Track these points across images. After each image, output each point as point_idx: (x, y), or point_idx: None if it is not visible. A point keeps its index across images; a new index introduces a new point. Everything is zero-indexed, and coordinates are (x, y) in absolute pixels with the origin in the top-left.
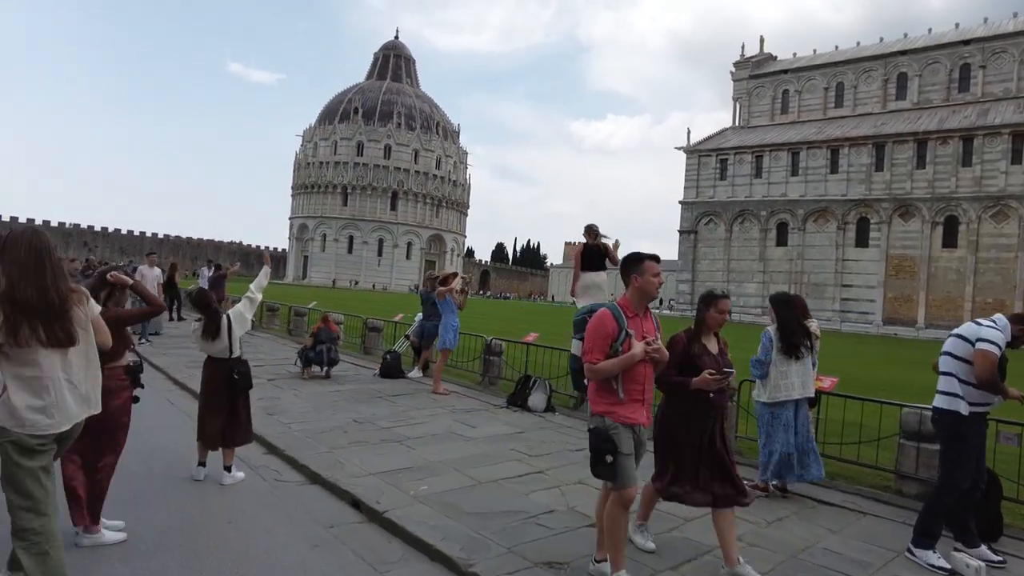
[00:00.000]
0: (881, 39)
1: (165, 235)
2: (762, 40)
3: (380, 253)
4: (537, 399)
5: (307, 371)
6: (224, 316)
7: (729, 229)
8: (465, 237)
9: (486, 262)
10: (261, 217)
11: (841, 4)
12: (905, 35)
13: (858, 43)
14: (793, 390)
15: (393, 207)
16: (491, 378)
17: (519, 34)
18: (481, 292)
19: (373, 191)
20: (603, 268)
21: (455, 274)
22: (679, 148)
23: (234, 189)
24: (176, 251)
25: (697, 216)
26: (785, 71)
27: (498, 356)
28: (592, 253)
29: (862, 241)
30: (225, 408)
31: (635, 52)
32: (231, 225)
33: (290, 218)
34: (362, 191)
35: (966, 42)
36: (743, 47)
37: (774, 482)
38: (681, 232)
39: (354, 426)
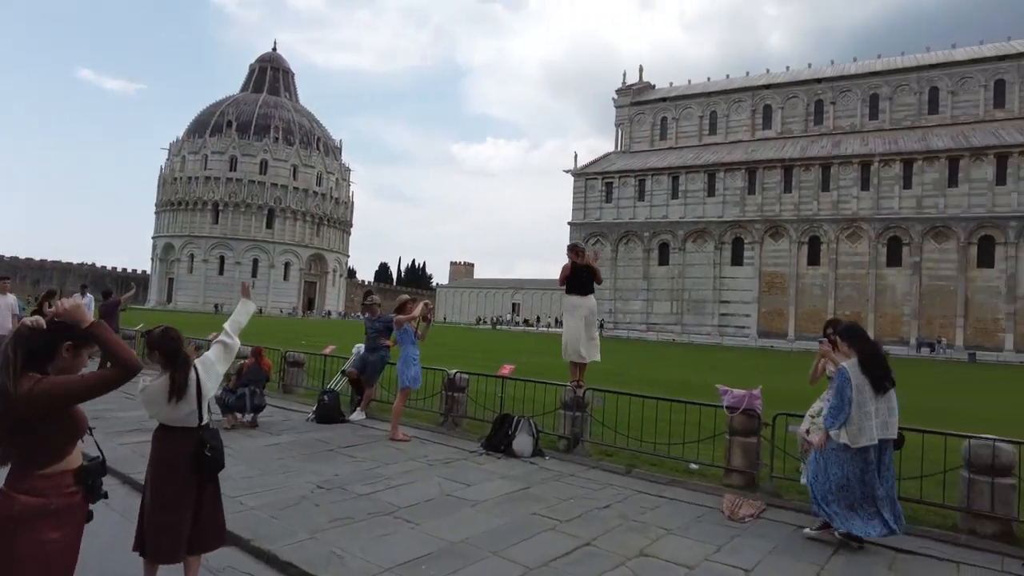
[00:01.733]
0: (747, 73)
1: None
2: (641, 69)
3: (255, 274)
4: (523, 442)
5: (230, 418)
6: (192, 369)
7: (615, 249)
8: (348, 257)
9: (369, 282)
10: (119, 236)
11: (699, 40)
12: (768, 71)
13: (728, 76)
14: (874, 430)
15: (270, 225)
16: (455, 418)
17: (399, 56)
18: (365, 315)
19: (248, 208)
20: (590, 291)
21: (413, 300)
22: (567, 171)
23: (86, 205)
24: (14, 274)
25: (585, 236)
26: (663, 99)
27: (462, 392)
28: (578, 274)
29: (737, 260)
30: (191, 499)
31: (512, 79)
32: (83, 245)
33: (153, 237)
34: (235, 208)
35: (818, 80)
36: (624, 75)
37: (842, 531)
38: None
39: (323, 494)
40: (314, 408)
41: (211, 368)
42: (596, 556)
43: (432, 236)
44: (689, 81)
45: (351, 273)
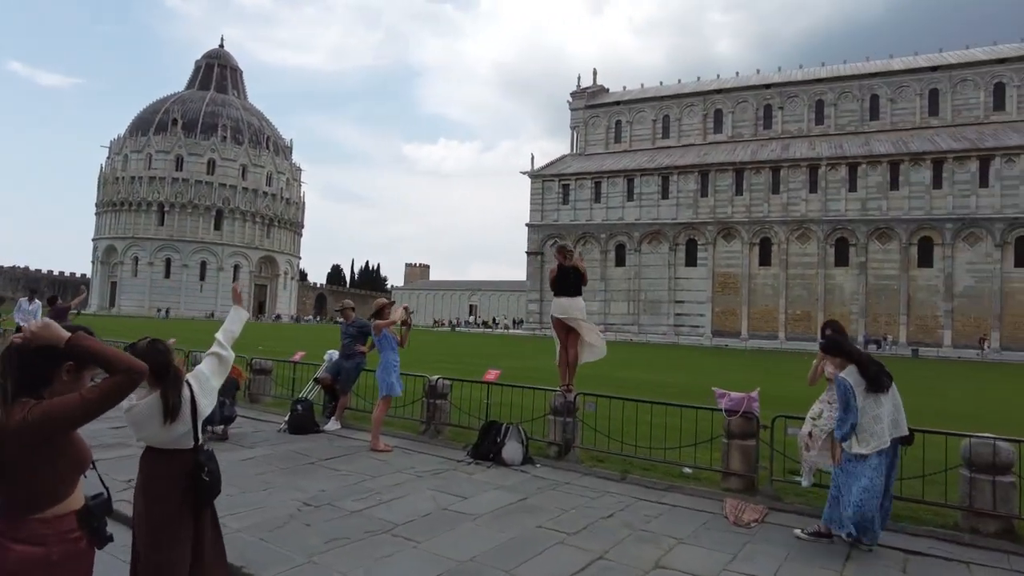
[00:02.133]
0: (699, 78)
1: None
2: (595, 73)
3: (203, 277)
4: (512, 450)
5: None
6: (186, 385)
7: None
8: (299, 259)
9: (322, 285)
10: (54, 238)
11: (648, 45)
12: (718, 76)
13: (679, 80)
14: (885, 432)
15: (218, 226)
16: (437, 426)
17: (349, 55)
18: (317, 318)
19: (195, 209)
20: (578, 293)
21: (391, 303)
22: (524, 173)
23: (16, 205)
24: None
25: (543, 238)
26: (618, 103)
27: (444, 399)
28: (565, 276)
29: (691, 261)
30: (189, 530)
31: (464, 80)
32: (13, 246)
33: (94, 239)
34: (182, 209)
35: (767, 86)
36: (579, 79)
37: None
38: (529, 253)
39: (312, 512)
40: (286, 418)
41: (206, 383)
42: (612, 571)
43: (385, 238)
44: (642, 85)
45: (302, 275)
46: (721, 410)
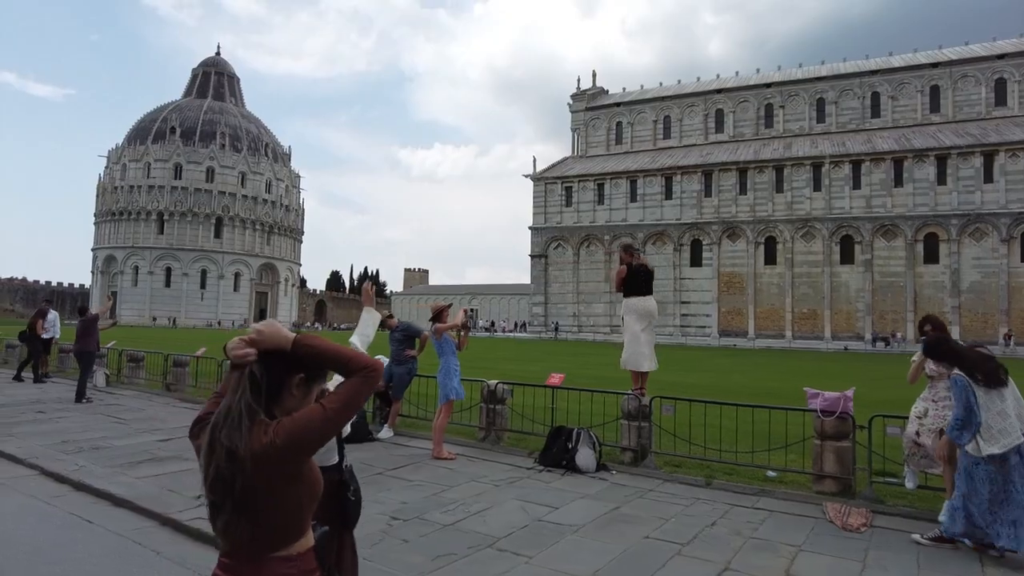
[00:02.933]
0: (698, 78)
1: None
2: (594, 75)
3: (203, 286)
4: (585, 456)
5: None
6: None
7: (577, 253)
8: (300, 266)
9: (321, 291)
10: (52, 249)
11: (638, 49)
12: (718, 76)
13: (679, 81)
14: (1016, 427)
15: (218, 234)
16: (496, 432)
17: (341, 61)
18: (317, 324)
19: (195, 217)
20: (649, 292)
21: (448, 306)
22: (527, 176)
23: (12, 217)
24: None
25: (547, 241)
26: (618, 104)
27: (502, 404)
28: (636, 275)
29: (696, 261)
30: (333, 555)
31: (457, 84)
32: (8, 258)
33: (93, 249)
34: (181, 217)
35: (767, 85)
36: (579, 80)
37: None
38: (532, 256)
39: (403, 527)
40: None
41: None
42: None
43: (383, 243)
44: (642, 86)
45: (301, 283)
46: (814, 411)
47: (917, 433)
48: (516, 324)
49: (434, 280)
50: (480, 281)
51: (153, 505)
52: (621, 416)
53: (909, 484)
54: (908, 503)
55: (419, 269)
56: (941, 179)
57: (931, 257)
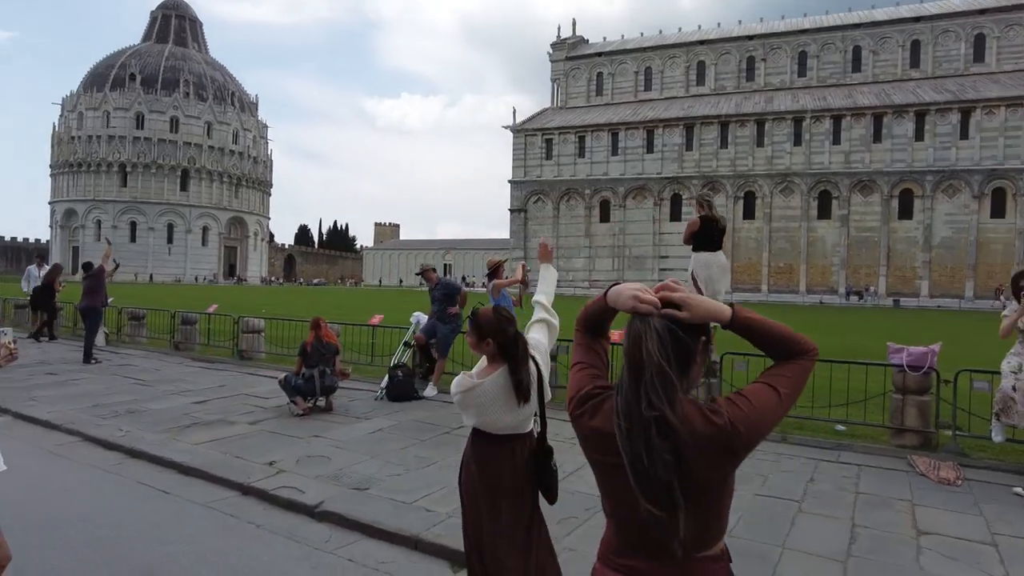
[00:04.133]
0: (680, 29)
1: None
2: (574, 23)
3: (171, 240)
4: None
5: (301, 405)
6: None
7: (556, 207)
8: (269, 219)
9: (289, 246)
10: (5, 202)
11: None
12: (700, 27)
13: (660, 31)
14: None
15: (184, 187)
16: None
17: (304, 6)
18: (283, 280)
19: (159, 169)
20: (719, 247)
21: (505, 260)
22: (507, 127)
23: None
24: None
25: (526, 195)
26: (599, 54)
27: (553, 360)
28: (709, 228)
29: (676, 215)
30: (527, 535)
31: (425, 33)
32: None
33: (51, 203)
34: (145, 169)
35: (749, 37)
36: (559, 29)
37: None
38: (512, 210)
39: None
40: (383, 385)
41: (546, 357)
42: (885, 540)
43: (352, 197)
44: (623, 36)
45: (269, 237)
46: (899, 365)
47: (1013, 387)
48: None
49: (405, 235)
50: (453, 235)
51: (228, 473)
52: None
53: (997, 438)
54: (992, 456)
55: (390, 223)
56: (919, 135)
57: (905, 213)
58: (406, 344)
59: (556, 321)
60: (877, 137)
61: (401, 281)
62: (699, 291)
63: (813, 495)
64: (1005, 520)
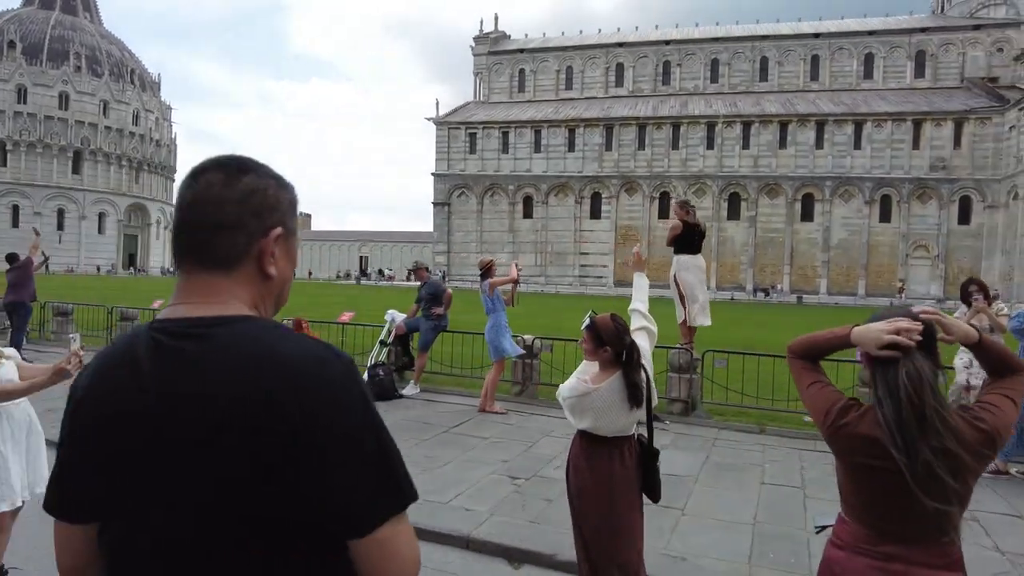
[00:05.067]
0: (600, 30)
1: None
2: (496, 18)
3: (61, 227)
4: None
5: None
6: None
7: (480, 202)
8: (172, 206)
9: None
10: None
11: None
12: (619, 29)
13: (580, 31)
14: None
15: (77, 170)
16: (531, 387)
17: None
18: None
19: (47, 149)
20: (699, 250)
21: (494, 260)
22: (429, 119)
23: None
24: None
25: (450, 188)
26: (521, 50)
27: (536, 359)
28: (690, 233)
29: (596, 213)
30: (634, 531)
31: (337, 17)
32: None
33: None
34: (30, 148)
35: (666, 42)
36: (481, 23)
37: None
38: (435, 204)
39: (534, 487)
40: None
41: (651, 363)
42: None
43: None
44: (544, 34)
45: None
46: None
47: (967, 381)
48: (410, 273)
49: (317, 225)
50: (369, 227)
51: None
52: (669, 369)
53: None
54: None
55: (301, 213)
56: (819, 143)
57: (807, 215)
58: (382, 343)
59: (655, 328)
60: (783, 143)
61: (310, 273)
62: (680, 291)
63: (813, 482)
64: (976, 499)
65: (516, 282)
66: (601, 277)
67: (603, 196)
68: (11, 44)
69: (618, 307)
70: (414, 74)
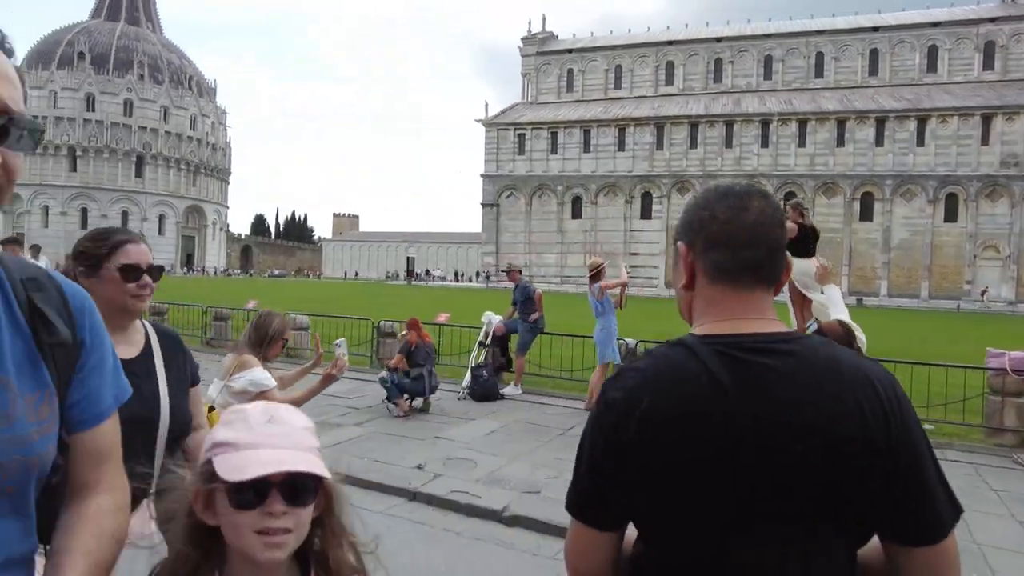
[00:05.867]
0: (649, 28)
1: None
2: (544, 19)
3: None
4: None
5: (402, 405)
6: None
7: (529, 202)
8: (227, 208)
9: (246, 236)
10: None
11: None
12: (668, 27)
13: (629, 30)
14: None
15: (139, 174)
16: None
17: None
18: (241, 271)
19: (112, 154)
20: (814, 253)
21: (604, 263)
22: (478, 121)
23: None
24: None
25: (499, 189)
26: (569, 50)
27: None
28: (805, 236)
29: (647, 213)
30: None
31: (366, 22)
32: None
33: None
34: (97, 154)
35: (718, 39)
36: (529, 23)
37: None
38: (484, 205)
39: None
40: (464, 384)
41: None
42: None
43: (307, 186)
44: (592, 33)
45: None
46: (1000, 369)
47: None
48: (457, 274)
49: (365, 226)
50: (416, 228)
51: (384, 479)
52: None
53: None
54: None
55: (349, 214)
56: (879, 141)
57: (866, 215)
58: (481, 344)
59: (864, 337)
60: (840, 141)
61: (357, 274)
62: (800, 294)
63: (974, 497)
64: None
65: (625, 285)
66: (651, 278)
67: (654, 196)
68: (81, 55)
69: (671, 309)
70: (464, 76)
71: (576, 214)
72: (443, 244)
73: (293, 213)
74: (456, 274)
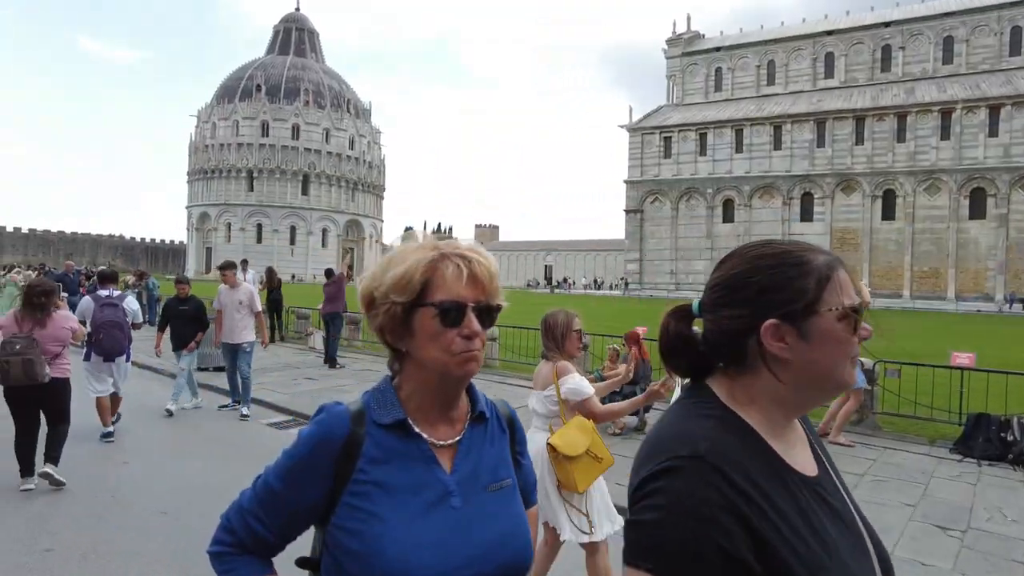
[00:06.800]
0: (804, 19)
1: (30, 230)
2: (689, 18)
3: (293, 241)
4: None
5: (619, 422)
6: None
7: (675, 207)
8: (383, 222)
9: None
10: (146, 207)
11: None
12: (826, 16)
13: (782, 22)
14: None
15: (305, 191)
16: (872, 415)
17: (396, 18)
18: None
19: (282, 174)
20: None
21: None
22: (622, 126)
23: (101, 176)
24: (46, 247)
25: (643, 195)
26: (717, 49)
27: (877, 385)
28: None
29: (807, 216)
30: None
31: (503, 38)
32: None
33: (188, 207)
34: (270, 174)
35: (886, 24)
36: (674, 24)
37: None
38: (627, 211)
39: (974, 540)
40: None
41: None
42: None
43: (448, 197)
44: (741, 29)
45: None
46: None
47: None
48: (596, 282)
49: (504, 236)
50: (553, 237)
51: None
52: None
53: None
54: None
55: (489, 225)
56: None
57: None
58: None
59: None
60: None
61: (528, 284)
62: None
63: None
64: None
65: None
66: None
67: (815, 196)
68: (258, 87)
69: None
70: (597, 84)
71: (728, 218)
72: (580, 252)
73: (439, 225)
74: (596, 282)
